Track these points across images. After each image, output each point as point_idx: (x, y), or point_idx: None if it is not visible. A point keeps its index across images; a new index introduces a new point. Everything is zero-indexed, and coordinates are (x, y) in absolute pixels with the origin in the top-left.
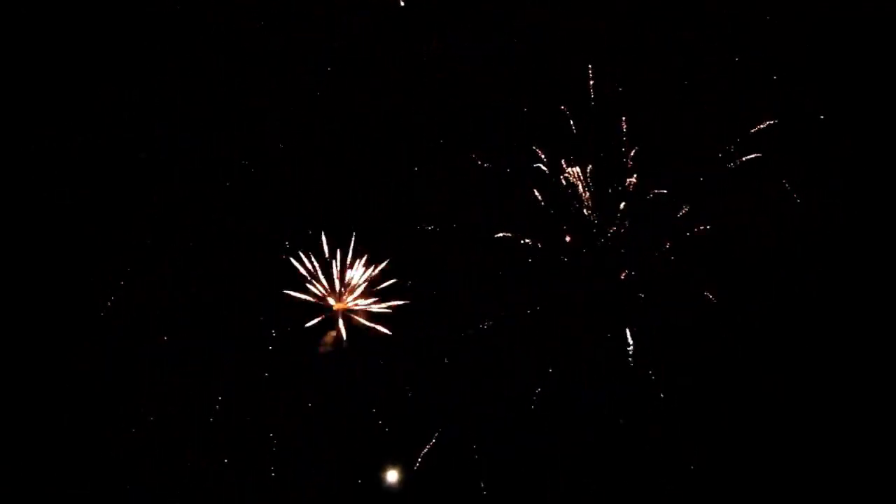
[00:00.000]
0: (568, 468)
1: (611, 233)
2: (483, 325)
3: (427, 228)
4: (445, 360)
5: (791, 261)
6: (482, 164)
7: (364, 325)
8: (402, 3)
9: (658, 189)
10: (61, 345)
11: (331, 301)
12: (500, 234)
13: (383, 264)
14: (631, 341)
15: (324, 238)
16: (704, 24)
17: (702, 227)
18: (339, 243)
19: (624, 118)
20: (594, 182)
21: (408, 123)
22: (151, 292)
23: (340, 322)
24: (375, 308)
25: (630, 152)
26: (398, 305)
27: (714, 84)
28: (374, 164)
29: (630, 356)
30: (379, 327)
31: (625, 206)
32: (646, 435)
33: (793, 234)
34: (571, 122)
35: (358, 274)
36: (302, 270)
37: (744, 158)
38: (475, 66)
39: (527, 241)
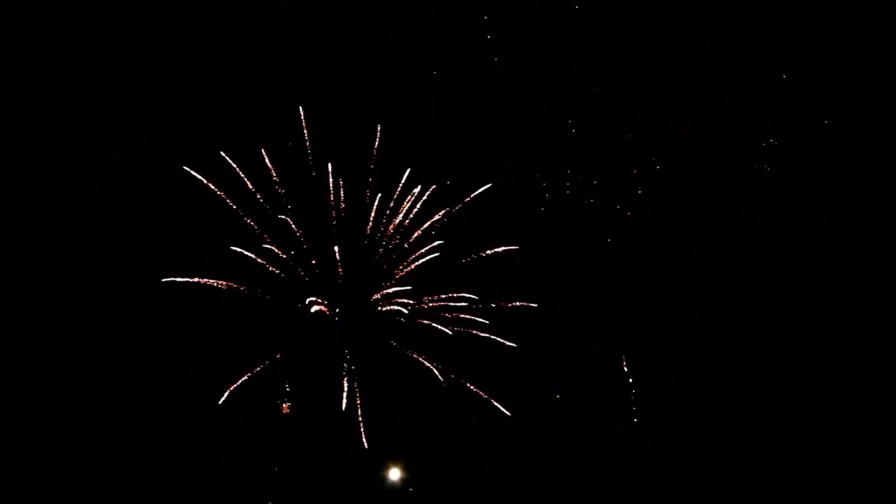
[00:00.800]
0: (569, 469)
1: (612, 235)
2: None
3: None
4: (446, 364)
5: (789, 263)
6: (485, 169)
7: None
8: None
9: (659, 190)
10: (61, 345)
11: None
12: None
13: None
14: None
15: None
16: (704, 25)
17: (703, 227)
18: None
19: (624, 119)
20: (594, 184)
21: (414, 125)
22: (151, 292)
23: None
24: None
25: (631, 154)
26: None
27: (714, 83)
28: (374, 166)
29: (631, 356)
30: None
31: (625, 206)
32: (646, 435)
33: (793, 234)
34: (573, 125)
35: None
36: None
37: (744, 159)
38: (476, 68)
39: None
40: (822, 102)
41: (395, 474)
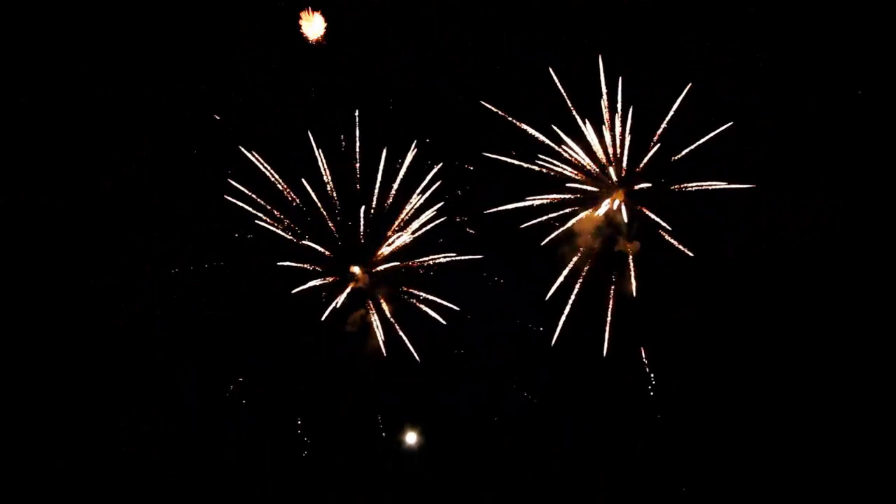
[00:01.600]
0: (572, 468)
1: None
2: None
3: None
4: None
5: (789, 263)
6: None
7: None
8: None
9: (659, 190)
10: (62, 345)
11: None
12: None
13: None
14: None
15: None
16: (704, 25)
17: (702, 227)
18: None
19: (623, 119)
20: (597, 187)
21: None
22: (151, 292)
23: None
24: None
25: (631, 155)
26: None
27: (714, 83)
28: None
29: (633, 355)
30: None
31: (628, 207)
32: (647, 437)
33: (793, 234)
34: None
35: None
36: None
37: (744, 159)
38: (476, 68)
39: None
40: (822, 102)
41: (411, 438)
